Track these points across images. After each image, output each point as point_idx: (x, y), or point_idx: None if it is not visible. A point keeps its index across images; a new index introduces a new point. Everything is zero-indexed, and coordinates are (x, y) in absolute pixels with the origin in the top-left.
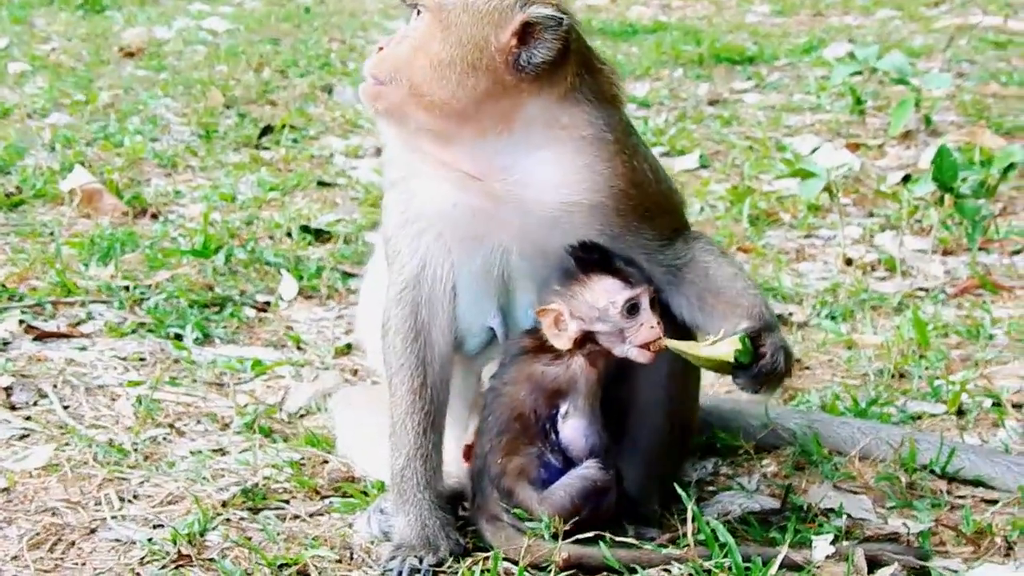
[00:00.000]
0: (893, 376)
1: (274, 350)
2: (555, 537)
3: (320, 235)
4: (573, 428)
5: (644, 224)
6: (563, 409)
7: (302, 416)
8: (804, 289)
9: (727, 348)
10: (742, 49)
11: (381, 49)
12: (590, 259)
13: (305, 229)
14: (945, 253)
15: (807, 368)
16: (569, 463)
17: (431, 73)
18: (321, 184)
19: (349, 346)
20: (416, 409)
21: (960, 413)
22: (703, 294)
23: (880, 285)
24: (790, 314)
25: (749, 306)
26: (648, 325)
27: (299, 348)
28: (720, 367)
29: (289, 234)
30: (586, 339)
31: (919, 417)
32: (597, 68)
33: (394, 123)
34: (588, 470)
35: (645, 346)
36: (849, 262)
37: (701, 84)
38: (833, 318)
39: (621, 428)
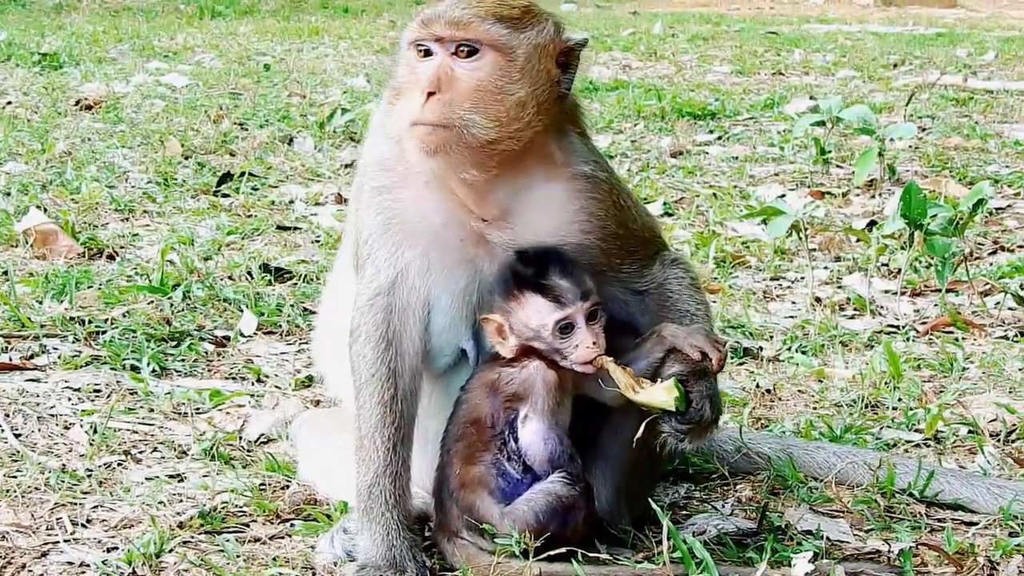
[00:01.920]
0: (867, 406)
1: (233, 382)
2: (524, 555)
3: (280, 274)
4: (532, 432)
5: (626, 259)
6: (522, 413)
7: (263, 443)
8: (773, 326)
9: (663, 396)
10: (704, 105)
11: (432, 95)
12: (524, 275)
13: (265, 268)
14: (914, 294)
15: (779, 398)
16: (529, 472)
17: (502, 114)
18: (281, 228)
19: (311, 378)
20: (387, 423)
21: (937, 440)
22: (658, 321)
23: (850, 323)
24: (759, 348)
25: (690, 347)
26: (584, 344)
27: (259, 380)
28: (651, 410)
29: (249, 273)
30: (530, 350)
31: (895, 444)
32: (572, 98)
33: (436, 161)
34: (553, 484)
35: (590, 363)
36: (818, 300)
37: (663, 137)
38: (804, 352)
39: (592, 443)
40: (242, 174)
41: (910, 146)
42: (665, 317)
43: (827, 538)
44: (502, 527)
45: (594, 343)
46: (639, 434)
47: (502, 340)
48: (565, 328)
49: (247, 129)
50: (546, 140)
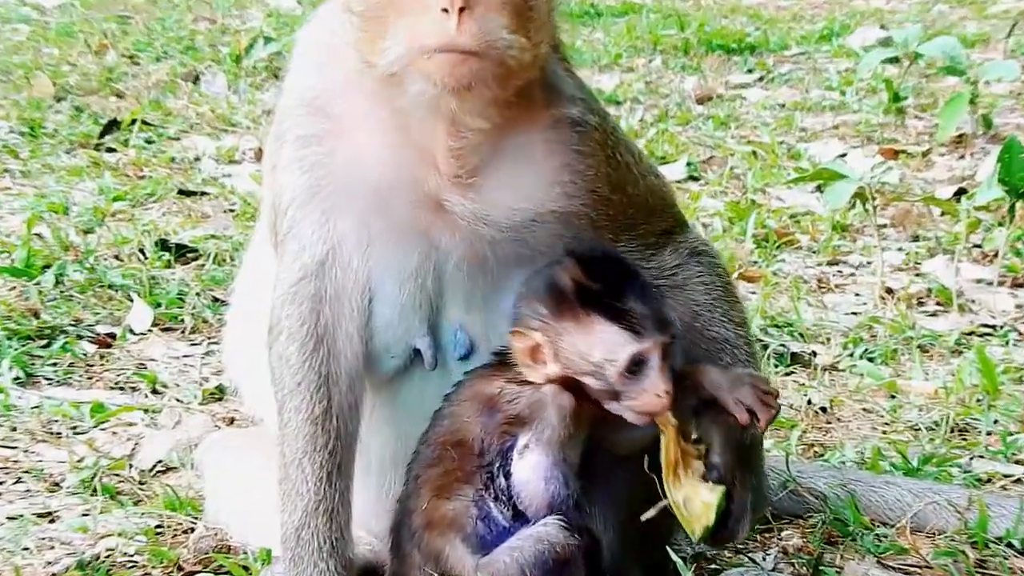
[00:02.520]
0: (953, 430)
1: (121, 393)
2: None
3: (183, 253)
4: (531, 467)
5: (625, 234)
6: (521, 442)
7: (160, 473)
8: (831, 325)
9: (699, 505)
10: (741, 35)
11: (462, 11)
12: (593, 290)
13: (163, 245)
14: (1015, 285)
15: (838, 419)
16: (521, 518)
17: (532, 32)
18: (184, 193)
19: (222, 389)
20: (318, 445)
21: None
22: (685, 339)
23: (930, 322)
24: (812, 354)
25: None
26: (654, 392)
27: (155, 391)
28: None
29: (142, 251)
30: (567, 381)
31: (989, 479)
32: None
33: (458, 101)
34: (547, 528)
35: (646, 415)
36: (889, 291)
37: (687, 77)
38: (871, 359)
39: (591, 475)
40: (132, 122)
41: (1011, 91)
42: (692, 337)
43: None
44: None
45: (667, 391)
46: (651, 514)
47: (534, 364)
48: (636, 366)
49: (139, 63)
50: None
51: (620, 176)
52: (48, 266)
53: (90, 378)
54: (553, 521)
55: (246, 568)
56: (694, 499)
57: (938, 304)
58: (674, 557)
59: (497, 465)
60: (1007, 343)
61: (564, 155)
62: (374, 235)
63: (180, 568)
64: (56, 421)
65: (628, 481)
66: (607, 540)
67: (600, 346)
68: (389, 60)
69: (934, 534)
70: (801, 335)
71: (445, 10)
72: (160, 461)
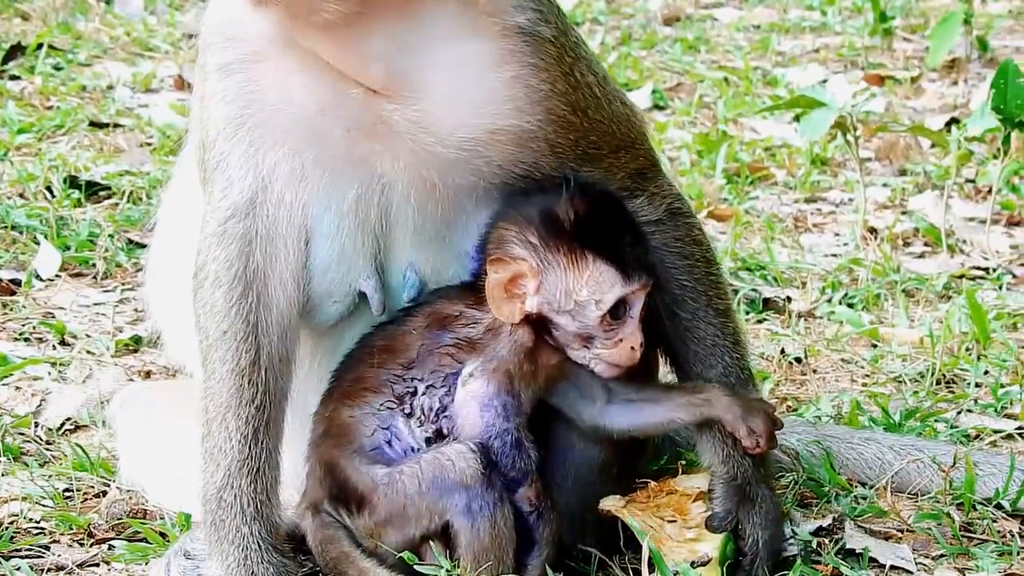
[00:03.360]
0: (939, 381)
1: (26, 345)
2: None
3: (94, 191)
4: (471, 395)
5: (588, 166)
6: (467, 370)
7: (69, 432)
8: (808, 268)
9: (706, 549)
10: None
11: None
12: (594, 229)
13: (72, 183)
14: (1011, 223)
15: (814, 370)
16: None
17: None
18: (96, 125)
19: (138, 340)
20: (243, 400)
21: None
22: (667, 307)
23: (917, 264)
24: (787, 300)
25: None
26: (629, 344)
27: (63, 343)
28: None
29: (49, 189)
30: (537, 323)
31: (978, 436)
32: None
33: (265, 11)
34: (452, 448)
35: (619, 367)
36: (873, 231)
37: None
38: (851, 305)
39: (550, 439)
40: (39, 47)
41: (1009, 10)
42: (674, 303)
43: (877, 564)
44: (374, 503)
45: (641, 344)
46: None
47: (508, 297)
48: (618, 310)
49: None
50: None
51: (580, 97)
52: None
53: None
54: (461, 444)
55: (163, 534)
56: (695, 548)
57: (926, 245)
58: (632, 523)
59: (428, 384)
60: (1000, 287)
61: (515, 67)
62: (307, 167)
63: (91, 535)
64: None
65: (584, 443)
66: (560, 503)
67: (590, 285)
68: None
69: (916, 495)
70: (775, 279)
71: None
72: (69, 419)
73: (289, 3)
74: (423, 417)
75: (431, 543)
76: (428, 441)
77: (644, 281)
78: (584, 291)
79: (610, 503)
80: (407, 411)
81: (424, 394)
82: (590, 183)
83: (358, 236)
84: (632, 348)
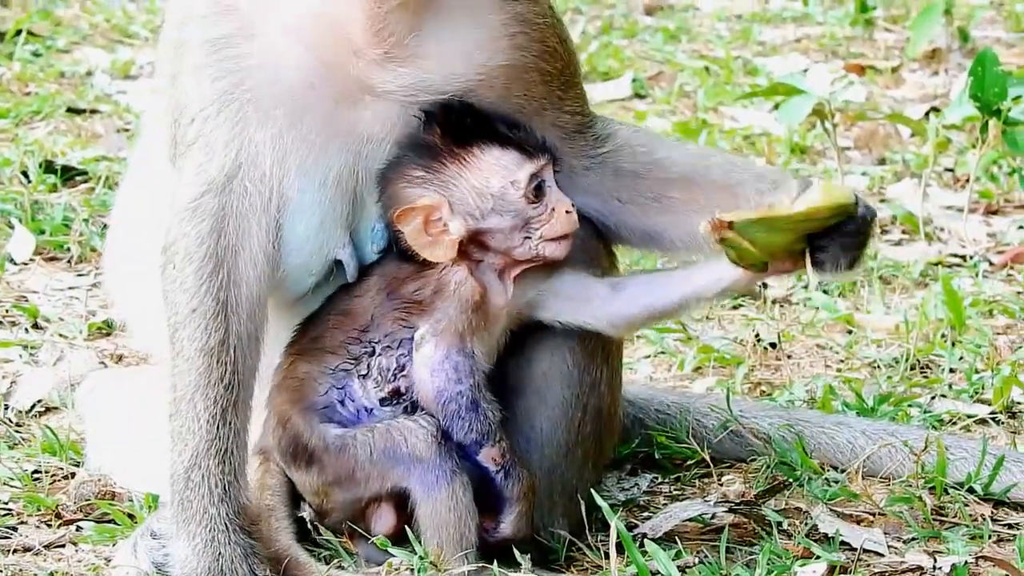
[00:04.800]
0: (913, 367)
1: None
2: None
3: (70, 176)
4: (422, 359)
5: (567, 95)
6: (419, 333)
7: (39, 414)
8: None
9: (822, 197)
10: None
11: None
12: (466, 126)
13: (48, 167)
14: (988, 212)
15: (788, 356)
16: (389, 405)
17: None
18: (73, 111)
19: (110, 323)
20: (212, 379)
21: (1011, 414)
22: (661, 186)
23: (894, 251)
24: (762, 286)
25: (763, 173)
26: (563, 208)
27: (36, 326)
28: (819, 221)
29: (24, 174)
30: (473, 243)
31: (951, 421)
32: None
33: None
34: (407, 423)
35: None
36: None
37: None
38: (826, 291)
39: (511, 417)
40: (18, 32)
41: (991, 1)
42: (668, 178)
43: (850, 547)
44: (323, 462)
45: (573, 205)
46: (808, 267)
47: (433, 235)
48: (537, 189)
49: None
50: None
51: (562, 28)
52: None
53: None
54: (412, 421)
55: (131, 516)
56: (813, 198)
57: (904, 232)
58: (600, 503)
59: (384, 346)
60: (977, 274)
61: (512, 8)
62: (293, 143)
63: (59, 516)
64: None
65: (551, 423)
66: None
67: (496, 173)
68: None
69: (889, 479)
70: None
71: None
72: (39, 401)
73: None
74: (379, 377)
75: (379, 505)
76: (383, 401)
77: (548, 157)
78: (494, 180)
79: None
80: (363, 372)
81: (380, 355)
82: (442, 106)
83: (338, 206)
84: (567, 211)
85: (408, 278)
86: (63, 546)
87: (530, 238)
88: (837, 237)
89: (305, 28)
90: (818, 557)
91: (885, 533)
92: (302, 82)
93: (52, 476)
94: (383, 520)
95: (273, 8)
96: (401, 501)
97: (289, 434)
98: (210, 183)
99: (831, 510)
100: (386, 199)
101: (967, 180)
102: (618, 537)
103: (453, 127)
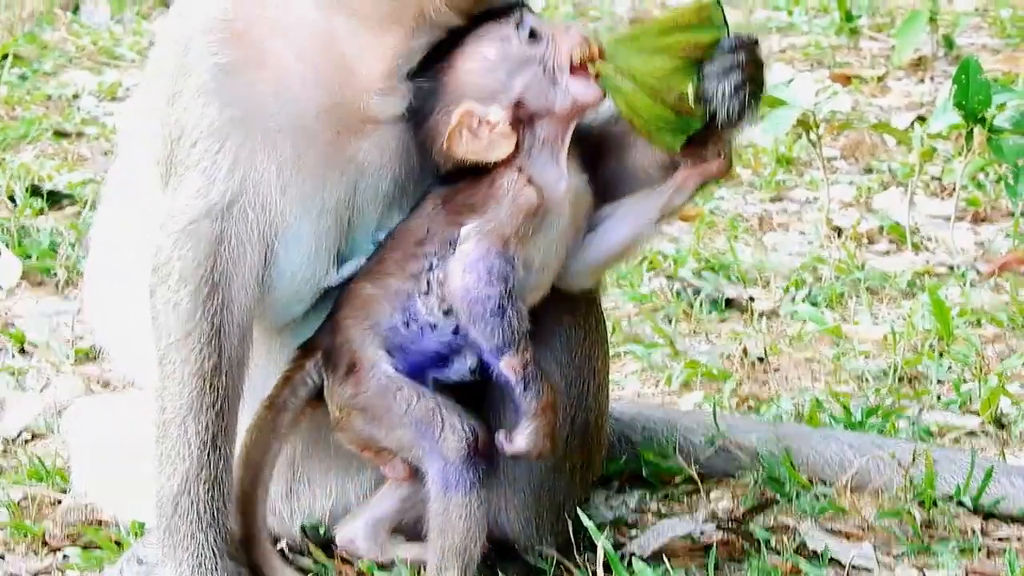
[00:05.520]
0: (902, 379)
1: None
2: None
3: (56, 200)
4: (459, 257)
5: None
6: (465, 229)
7: (25, 441)
8: (772, 267)
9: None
10: None
11: None
12: (448, 39)
13: (35, 191)
14: (976, 220)
15: (776, 369)
16: (451, 319)
17: None
18: (60, 134)
19: (97, 349)
20: (204, 404)
21: (1000, 425)
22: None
23: (882, 261)
24: (750, 299)
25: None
26: (561, 31)
27: (22, 351)
28: (686, 51)
29: (11, 198)
30: (521, 121)
31: (940, 432)
32: None
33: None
34: (448, 421)
35: (581, 69)
36: (838, 232)
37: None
38: (814, 304)
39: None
40: (4, 56)
41: (976, 8)
42: None
43: (838, 563)
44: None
45: (580, 30)
46: (692, 92)
47: (485, 137)
48: (531, 34)
49: None
50: None
51: None
52: None
53: None
54: (463, 420)
55: (118, 543)
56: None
57: (890, 242)
58: (587, 523)
59: (439, 256)
60: (964, 284)
61: None
62: (296, 171)
63: (45, 544)
64: None
65: None
66: (515, 504)
67: (485, 45)
68: None
69: (877, 492)
70: (739, 278)
71: None
72: (26, 427)
73: None
74: (440, 291)
75: (394, 456)
76: (447, 313)
77: (517, 7)
78: (489, 51)
79: None
80: (423, 289)
81: (436, 267)
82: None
83: (332, 235)
84: (568, 32)
85: (462, 190)
86: (49, 574)
87: (557, 83)
88: (718, 61)
89: (316, 60)
90: (807, 574)
91: (874, 548)
92: (309, 112)
93: (39, 503)
94: (395, 469)
95: (284, 37)
96: (414, 467)
97: (341, 339)
98: (210, 207)
99: (820, 526)
100: (426, 139)
101: (954, 188)
102: (606, 556)
103: (441, 45)
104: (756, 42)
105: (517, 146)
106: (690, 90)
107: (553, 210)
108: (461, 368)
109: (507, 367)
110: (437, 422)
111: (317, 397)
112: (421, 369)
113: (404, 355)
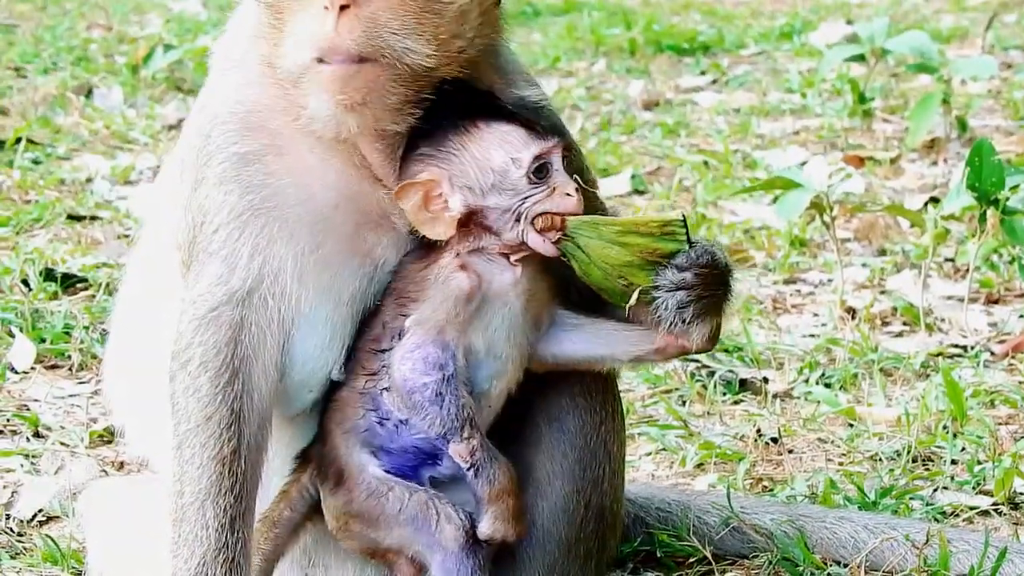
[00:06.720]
0: (915, 459)
1: (0, 437)
2: None
3: (70, 284)
4: (398, 349)
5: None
6: (407, 322)
7: (41, 523)
8: (786, 349)
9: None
10: (692, 34)
11: (344, 8)
12: (477, 104)
13: (49, 275)
14: (989, 301)
15: (790, 450)
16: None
17: (442, 31)
18: (73, 218)
19: (112, 431)
20: (223, 488)
21: (1013, 506)
22: None
23: (895, 343)
24: (764, 380)
25: None
26: (563, 190)
27: (37, 435)
28: (644, 254)
29: (25, 282)
30: (471, 222)
31: (953, 513)
32: None
33: (356, 116)
34: (444, 511)
35: (549, 228)
36: (851, 313)
37: (632, 81)
38: (828, 385)
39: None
40: (18, 141)
41: (989, 90)
42: None
43: None
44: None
45: (576, 189)
46: (633, 300)
47: (433, 212)
48: (541, 170)
49: (26, 76)
50: (479, 59)
51: (580, 161)
52: None
53: None
54: (458, 511)
55: None
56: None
57: (904, 323)
58: None
59: (389, 349)
60: (978, 364)
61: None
62: (315, 261)
63: None
64: None
65: (552, 519)
66: None
67: (498, 148)
68: (286, 64)
69: (891, 573)
70: (753, 360)
71: (326, 7)
72: (41, 510)
73: (375, 114)
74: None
75: (399, 557)
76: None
77: (557, 141)
78: (496, 155)
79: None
80: (385, 385)
81: (391, 363)
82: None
83: (347, 325)
84: (567, 194)
85: (407, 274)
86: None
87: (520, 224)
88: (671, 275)
89: (333, 152)
90: None
91: None
92: (328, 203)
93: None
94: (402, 572)
95: (301, 129)
96: (420, 565)
97: (328, 451)
98: (231, 294)
99: None
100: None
101: (967, 270)
102: None
103: (458, 104)
104: (714, 261)
105: (459, 235)
106: (637, 293)
107: (495, 299)
108: (453, 464)
109: (455, 454)
110: (432, 515)
111: (316, 509)
112: (413, 468)
113: (389, 455)
